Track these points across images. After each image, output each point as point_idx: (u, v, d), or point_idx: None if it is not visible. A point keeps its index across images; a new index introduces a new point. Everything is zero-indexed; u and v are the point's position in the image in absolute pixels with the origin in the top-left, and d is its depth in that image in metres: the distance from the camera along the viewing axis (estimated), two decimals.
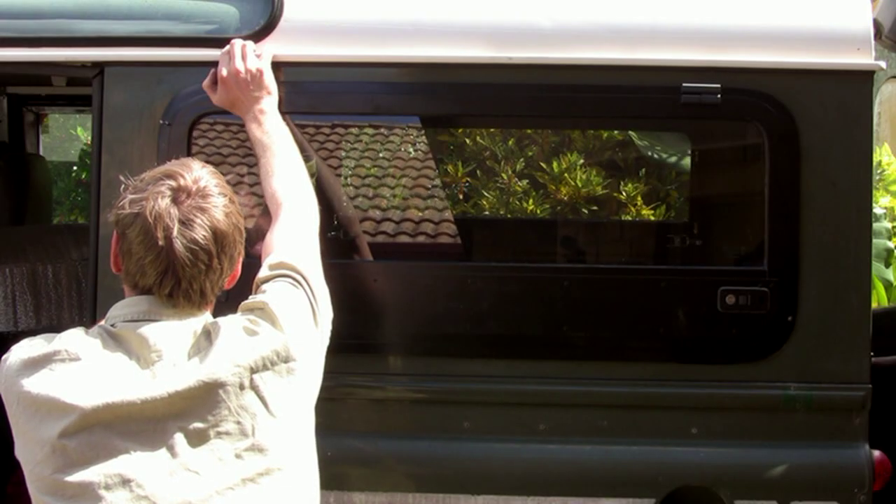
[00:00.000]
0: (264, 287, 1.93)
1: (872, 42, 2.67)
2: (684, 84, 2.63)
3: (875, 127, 2.76)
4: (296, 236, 2.09)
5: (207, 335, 1.77)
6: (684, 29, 2.69)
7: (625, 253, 4.55)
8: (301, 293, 1.93)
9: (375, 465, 2.71)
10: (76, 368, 1.68)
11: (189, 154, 2.67)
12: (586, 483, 2.65)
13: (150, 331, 1.73)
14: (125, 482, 1.64)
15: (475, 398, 2.72)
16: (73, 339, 1.73)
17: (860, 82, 2.66)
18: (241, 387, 1.73)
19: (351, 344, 2.59)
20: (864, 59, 2.65)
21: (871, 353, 2.70)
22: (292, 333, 1.83)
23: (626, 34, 2.68)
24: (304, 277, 1.96)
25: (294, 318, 1.86)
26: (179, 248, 1.72)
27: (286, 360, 1.80)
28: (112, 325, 1.76)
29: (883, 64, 2.66)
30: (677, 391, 2.69)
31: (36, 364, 1.69)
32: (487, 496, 2.65)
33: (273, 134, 2.36)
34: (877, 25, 2.82)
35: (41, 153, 4.97)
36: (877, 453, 2.67)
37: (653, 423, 2.69)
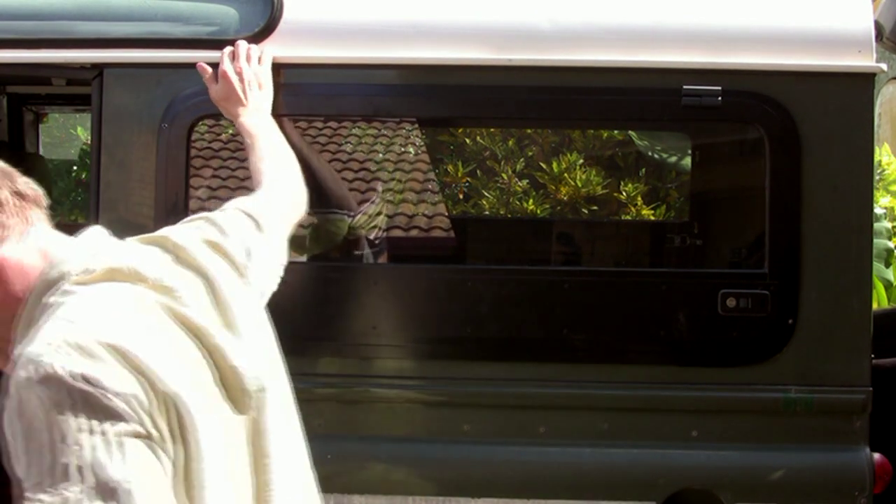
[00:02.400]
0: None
1: (874, 44, 2.66)
2: (685, 86, 2.62)
3: (875, 128, 2.75)
4: (272, 195, 1.99)
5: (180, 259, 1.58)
6: (685, 31, 2.68)
7: (626, 255, 4.55)
8: (248, 219, 1.79)
9: (375, 468, 2.70)
10: None
11: (187, 155, 2.67)
12: (586, 486, 2.65)
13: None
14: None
15: (475, 401, 2.71)
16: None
17: (861, 84, 2.65)
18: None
19: (351, 347, 2.58)
20: (865, 61, 2.64)
21: (872, 356, 2.69)
22: (235, 237, 1.68)
23: (627, 36, 2.67)
24: (253, 218, 1.80)
25: (234, 224, 1.72)
26: None
27: (243, 267, 1.65)
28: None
29: (884, 66, 2.65)
30: (678, 394, 2.69)
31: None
32: (487, 499, 2.64)
33: (265, 128, 2.39)
34: (878, 27, 2.80)
35: (41, 153, 4.95)
36: (877, 456, 2.66)
37: (653, 426, 2.69)
